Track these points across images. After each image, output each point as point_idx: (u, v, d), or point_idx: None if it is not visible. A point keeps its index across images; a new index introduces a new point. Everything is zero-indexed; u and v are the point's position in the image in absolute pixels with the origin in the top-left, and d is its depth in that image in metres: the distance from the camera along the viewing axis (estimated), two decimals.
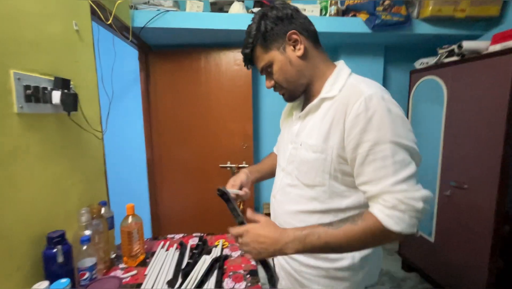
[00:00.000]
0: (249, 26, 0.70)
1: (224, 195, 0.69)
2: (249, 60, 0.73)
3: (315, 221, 0.67)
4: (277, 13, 0.67)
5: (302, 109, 0.76)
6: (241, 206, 2.21)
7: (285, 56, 0.67)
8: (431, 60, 1.87)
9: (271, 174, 0.97)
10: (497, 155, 1.41)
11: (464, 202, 1.62)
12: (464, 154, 1.61)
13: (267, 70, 0.71)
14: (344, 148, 0.61)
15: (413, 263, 2.08)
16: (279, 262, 0.82)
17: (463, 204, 1.62)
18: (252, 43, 0.69)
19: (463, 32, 1.89)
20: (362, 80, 0.65)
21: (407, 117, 2.08)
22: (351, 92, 0.61)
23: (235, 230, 0.64)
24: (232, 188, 0.84)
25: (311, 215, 0.69)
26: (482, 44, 1.55)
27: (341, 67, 0.70)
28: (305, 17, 0.71)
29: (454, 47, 1.67)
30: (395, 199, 0.53)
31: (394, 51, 2.30)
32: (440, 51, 1.80)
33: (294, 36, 0.67)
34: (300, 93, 0.73)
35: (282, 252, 0.59)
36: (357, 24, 1.82)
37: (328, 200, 0.66)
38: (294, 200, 0.72)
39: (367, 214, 0.57)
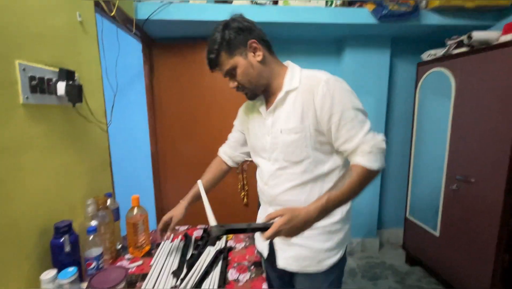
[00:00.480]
0: (214, 34, 0.79)
1: (224, 233, 0.66)
2: (214, 64, 0.82)
3: (308, 190, 0.82)
4: (239, 24, 0.78)
5: (267, 106, 0.87)
6: (244, 196, 2.21)
7: (247, 61, 0.79)
8: (439, 52, 1.83)
9: (215, 186, 1.08)
10: (506, 149, 1.38)
11: (471, 196, 1.60)
12: (471, 148, 1.59)
13: (231, 73, 0.81)
14: (318, 123, 0.77)
15: (417, 257, 2.07)
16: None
17: (470, 198, 1.61)
18: (217, 49, 0.78)
19: (473, 23, 1.84)
20: (314, 71, 0.82)
21: (413, 110, 2.06)
22: (311, 81, 0.78)
23: (267, 235, 0.66)
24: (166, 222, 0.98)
25: (304, 186, 0.82)
26: (492, 35, 1.51)
27: (292, 66, 0.85)
28: (260, 30, 0.83)
29: (464, 38, 1.63)
30: (370, 146, 0.72)
31: (401, 43, 2.26)
32: (449, 42, 1.76)
33: (254, 45, 0.79)
34: (261, 92, 0.85)
35: (313, 225, 0.71)
36: (363, 15, 1.78)
37: (314, 169, 0.81)
38: (288, 179, 0.83)
39: (354, 166, 0.73)
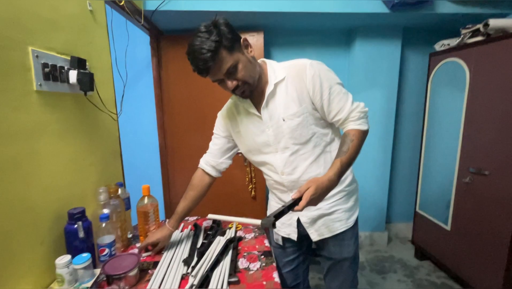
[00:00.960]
0: (202, 36, 0.73)
1: (274, 221, 0.65)
2: (211, 65, 0.74)
3: (322, 162, 0.90)
4: (227, 23, 0.78)
5: (256, 104, 0.89)
6: (252, 188, 2.21)
7: (246, 56, 0.80)
8: (453, 42, 1.77)
9: (199, 202, 1.05)
10: None
11: (484, 189, 1.56)
12: (486, 140, 1.54)
13: (230, 72, 0.78)
14: (312, 102, 0.85)
15: (426, 251, 2.05)
16: (309, 216, 0.95)
17: (483, 191, 1.57)
18: (216, 47, 0.73)
19: (489, 11, 1.78)
20: (292, 60, 0.89)
21: (425, 102, 2.01)
22: (296, 68, 0.85)
23: (301, 206, 0.69)
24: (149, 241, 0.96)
25: (318, 159, 0.90)
26: (510, 22, 1.45)
27: (269, 61, 0.91)
28: None
29: (480, 26, 1.57)
30: (358, 112, 0.83)
31: (413, 33, 2.20)
32: (464, 31, 1.70)
33: (246, 42, 0.82)
34: (255, 87, 0.86)
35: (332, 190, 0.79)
36: (374, 4, 1.73)
37: (321, 142, 0.89)
38: (303, 159, 0.89)
39: (351, 130, 0.83)
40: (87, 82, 0.86)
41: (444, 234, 1.86)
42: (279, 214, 0.68)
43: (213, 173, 1.03)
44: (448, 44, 1.81)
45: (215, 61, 0.74)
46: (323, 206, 0.93)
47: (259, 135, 0.91)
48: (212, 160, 1.03)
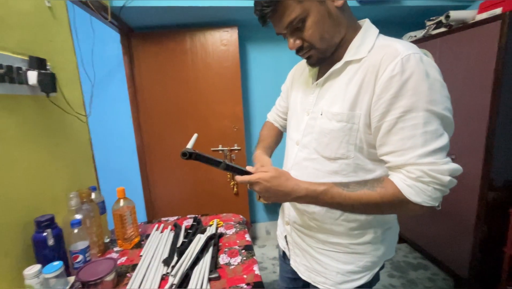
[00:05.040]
0: None
1: (191, 155, 0.58)
2: (272, 10, 0.56)
3: None
4: None
5: (319, 75, 0.68)
6: (234, 185, 2.21)
7: (324, 7, 0.56)
8: (420, 33, 1.85)
9: (276, 145, 0.93)
10: (483, 127, 1.43)
11: None
12: None
13: (295, 26, 0.57)
14: (370, 115, 0.56)
15: (403, 234, 2.15)
16: (294, 240, 0.77)
17: None
18: None
19: (452, 3, 1.87)
20: (395, 40, 0.57)
21: None
22: (384, 52, 0.54)
23: (241, 178, 0.58)
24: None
25: None
26: (469, 14, 1.54)
27: (368, 26, 0.61)
28: None
29: (442, 18, 1.65)
30: (420, 171, 0.50)
31: (381, 26, 2.22)
32: (428, 23, 1.79)
33: None
34: (330, 54, 0.62)
35: (292, 202, 0.65)
36: None
37: (351, 174, 0.61)
38: (313, 174, 0.66)
39: (387, 182, 0.54)
40: (48, 83, 0.81)
41: (417, 217, 1.96)
42: (206, 159, 0.59)
43: (282, 129, 0.94)
44: (415, 36, 1.89)
45: (274, 8, 0.55)
46: (318, 235, 0.69)
47: (298, 114, 0.72)
48: (278, 119, 0.93)
